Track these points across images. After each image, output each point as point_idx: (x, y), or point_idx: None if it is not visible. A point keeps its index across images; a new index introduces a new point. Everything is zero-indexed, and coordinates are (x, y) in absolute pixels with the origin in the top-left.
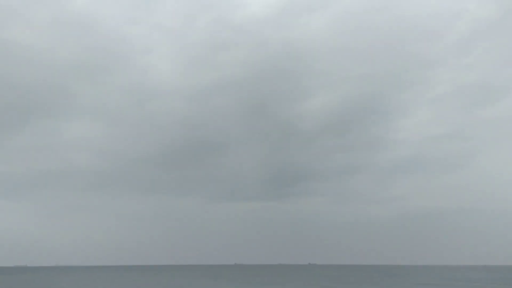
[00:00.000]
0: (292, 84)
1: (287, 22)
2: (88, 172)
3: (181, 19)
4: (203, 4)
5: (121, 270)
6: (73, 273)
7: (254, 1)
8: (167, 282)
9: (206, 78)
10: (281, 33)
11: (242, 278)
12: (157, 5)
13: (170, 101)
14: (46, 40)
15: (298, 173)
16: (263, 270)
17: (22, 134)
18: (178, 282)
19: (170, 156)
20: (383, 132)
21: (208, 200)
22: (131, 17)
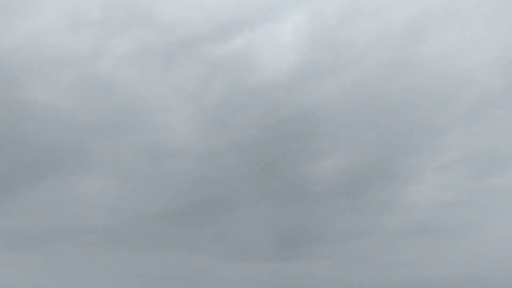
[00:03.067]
0: (302, 146)
1: (298, 87)
2: (100, 228)
3: (199, 81)
4: (220, 68)
5: None
6: None
7: (268, 65)
8: None
9: (220, 139)
10: (293, 97)
11: None
12: (176, 68)
13: (185, 160)
14: (69, 100)
15: (306, 235)
16: None
17: (37, 190)
18: None
19: (182, 214)
20: (391, 196)
21: (218, 258)
22: (151, 78)
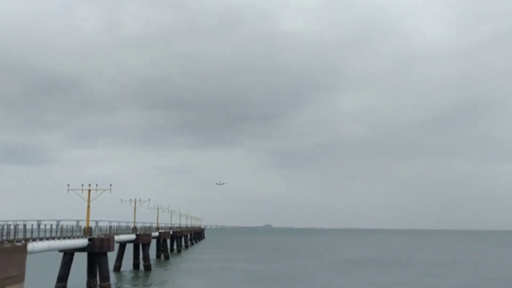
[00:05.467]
0: None
1: None
2: (361, 142)
3: None
4: None
5: (393, 234)
6: (349, 236)
7: None
8: (442, 247)
9: (477, 33)
10: None
11: None
12: None
13: (437, 63)
14: (315, 23)
15: None
16: None
17: (300, 112)
18: (456, 246)
19: (439, 120)
20: None
21: (483, 161)
22: None
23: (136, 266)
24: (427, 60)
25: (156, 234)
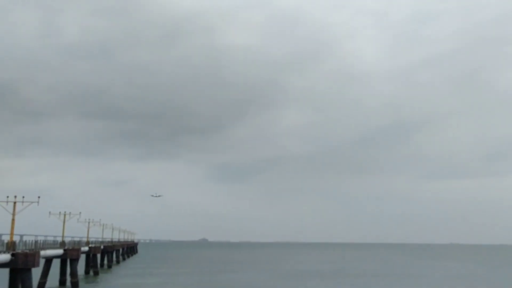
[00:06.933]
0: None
1: None
2: (300, 157)
3: None
4: None
5: (332, 248)
6: (288, 249)
7: None
8: (380, 260)
9: (410, 55)
10: None
11: (459, 258)
12: None
13: (373, 83)
14: (260, 39)
15: None
16: (480, 250)
17: (243, 126)
18: (390, 260)
19: (376, 137)
20: None
21: (418, 178)
22: (333, 3)
23: (62, 282)
24: (365, 80)
25: (86, 248)
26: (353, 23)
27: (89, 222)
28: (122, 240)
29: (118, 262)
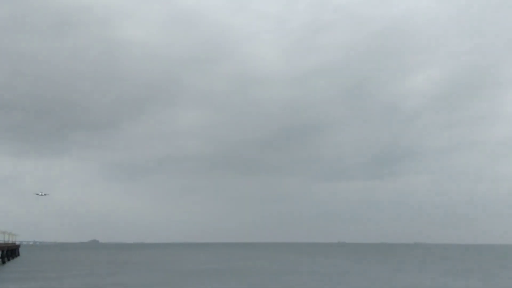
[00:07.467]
0: (393, 62)
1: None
2: (198, 157)
3: (282, 3)
4: None
5: (228, 247)
6: (183, 249)
7: None
8: (274, 258)
9: (307, 62)
10: (382, 11)
11: (346, 256)
12: None
13: (271, 87)
14: (160, 37)
15: (401, 152)
16: (366, 249)
17: (140, 124)
18: (284, 259)
19: (275, 139)
20: (490, 107)
21: (312, 179)
22: (234, 6)
23: None
24: (263, 83)
25: None
26: (253, 27)
27: None
28: (1, 241)
29: None
